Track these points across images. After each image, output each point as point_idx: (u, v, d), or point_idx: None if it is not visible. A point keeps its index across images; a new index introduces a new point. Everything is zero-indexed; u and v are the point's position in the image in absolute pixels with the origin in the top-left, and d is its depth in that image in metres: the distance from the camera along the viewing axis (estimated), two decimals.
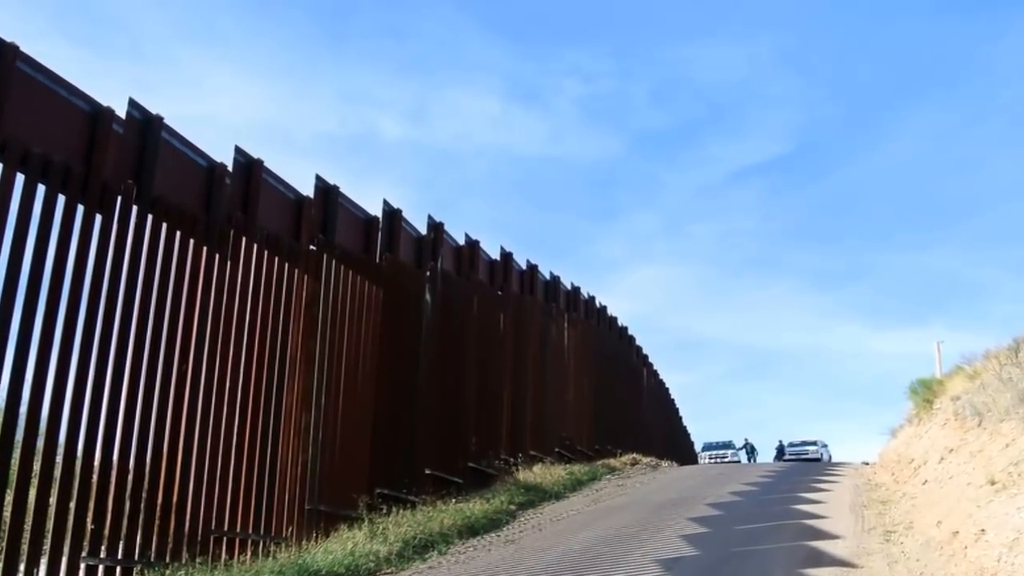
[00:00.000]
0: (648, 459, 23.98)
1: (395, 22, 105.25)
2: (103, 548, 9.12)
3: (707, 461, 46.22)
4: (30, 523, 8.27)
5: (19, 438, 8.37)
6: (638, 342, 35.63)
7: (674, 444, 41.41)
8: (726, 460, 45.74)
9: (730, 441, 50.53)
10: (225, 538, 10.79)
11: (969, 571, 7.72)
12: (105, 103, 9.66)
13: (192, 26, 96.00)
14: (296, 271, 12.69)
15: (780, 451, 47.57)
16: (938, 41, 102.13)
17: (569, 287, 26.13)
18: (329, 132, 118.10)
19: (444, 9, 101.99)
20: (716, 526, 11.81)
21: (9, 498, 8.20)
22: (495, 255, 20.49)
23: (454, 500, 13.74)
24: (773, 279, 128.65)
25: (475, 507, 13.39)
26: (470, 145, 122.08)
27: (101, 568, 9.10)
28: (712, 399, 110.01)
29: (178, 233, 10.49)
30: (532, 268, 22.84)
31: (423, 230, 16.81)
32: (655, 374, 39.42)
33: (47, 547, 8.48)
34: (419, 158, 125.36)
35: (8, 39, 8.56)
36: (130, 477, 9.52)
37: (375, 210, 15.13)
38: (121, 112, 9.89)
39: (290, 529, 11.73)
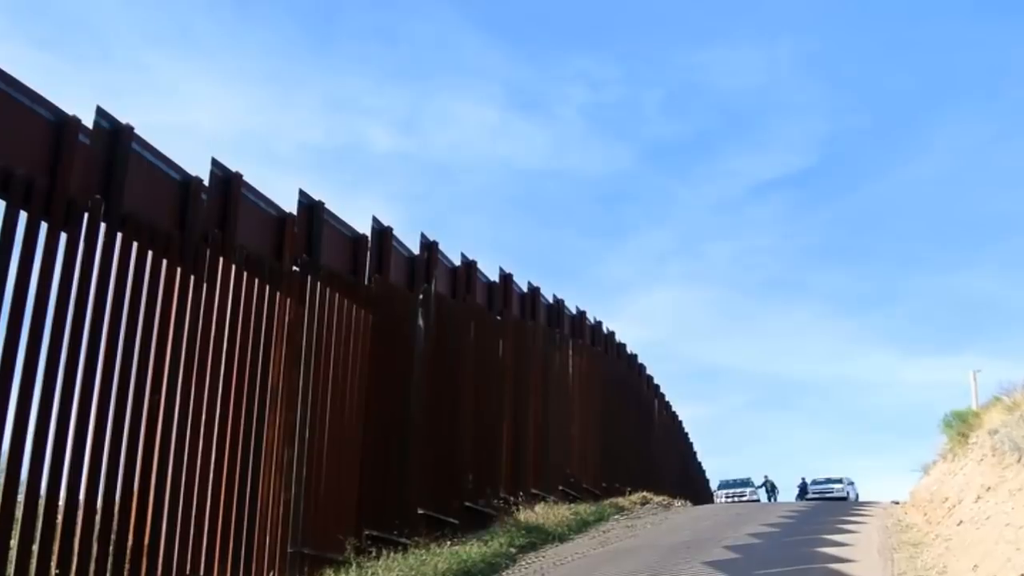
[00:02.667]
0: (660, 498, 23.88)
1: (385, 24, 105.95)
2: None
3: (724, 500, 46.29)
4: None
5: None
6: (649, 371, 35.67)
7: (688, 482, 41.30)
8: (744, 499, 45.84)
9: (748, 479, 50.69)
10: None
11: None
12: (71, 112, 9.67)
13: (165, 29, 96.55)
14: (278, 294, 12.67)
15: (803, 489, 47.67)
16: (975, 45, 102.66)
17: (574, 311, 26.14)
18: (314, 143, 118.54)
19: (438, 10, 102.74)
20: (734, 571, 11.75)
21: None
22: (494, 277, 20.50)
23: (449, 542, 13.66)
24: (796, 303, 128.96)
25: (472, 550, 13.32)
26: (467, 157, 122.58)
27: None
28: (730, 433, 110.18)
29: (150, 253, 10.47)
30: (534, 291, 22.85)
31: (416, 250, 16.82)
32: (667, 406, 39.40)
33: None
34: (411, 171, 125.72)
35: None
36: (98, 517, 9.45)
37: (364, 228, 15.14)
38: (88, 122, 9.88)
39: (271, 574, 11.65)
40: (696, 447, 48.32)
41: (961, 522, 12.62)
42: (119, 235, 10.05)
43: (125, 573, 9.67)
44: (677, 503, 24.52)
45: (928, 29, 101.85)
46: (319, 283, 13.44)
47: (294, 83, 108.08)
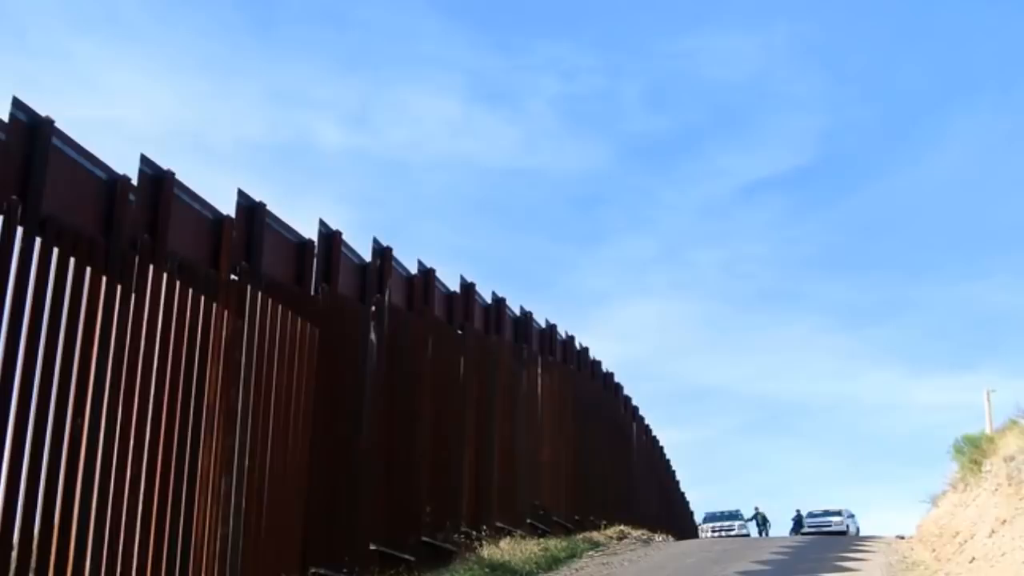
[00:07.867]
0: (638, 532, 24.12)
1: (334, 7, 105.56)
2: None
3: (709, 534, 46.65)
4: None
5: None
6: (627, 391, 36.02)
7: (670, 514, 41.61)
8: (732, 533, 46.24)
9: (737, 510, 51.08)
10: None
11: None
12: None
13: (89, 14, 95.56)
14: (214, 306, 12.71)
15: (797, 522, 48.16)
16: (991, 35, 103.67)
17: (543, 325, 26.29)
18: (254, 138, 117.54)
19: None
20: None
21: None
22: (454, 287, 20.61)
23: None
24: (793, 316, 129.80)
25: None
26: (425, 155, 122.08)
27: None
28: (718, 460, 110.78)
29: (72, 260, 10.50)
30: (499, 302, 23.00)
31: (367, 256, 16.88)
32: (647, 430, 39.68)
33: None
34: (363, 170, 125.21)
35: None
36: (14, 554, 9.47)
37: (310, 232, 15.22)
38: (3, 115, 9.92)
39: None
40: (679, 476, 48.81)
41: (974, 559, 12.85)
42: (38, 240, 10.07)
43: None
44: (658, 538, 24.77)
45: (939, 16, 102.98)
46: (260, 293, 13.48)
47: (232, 72, 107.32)
